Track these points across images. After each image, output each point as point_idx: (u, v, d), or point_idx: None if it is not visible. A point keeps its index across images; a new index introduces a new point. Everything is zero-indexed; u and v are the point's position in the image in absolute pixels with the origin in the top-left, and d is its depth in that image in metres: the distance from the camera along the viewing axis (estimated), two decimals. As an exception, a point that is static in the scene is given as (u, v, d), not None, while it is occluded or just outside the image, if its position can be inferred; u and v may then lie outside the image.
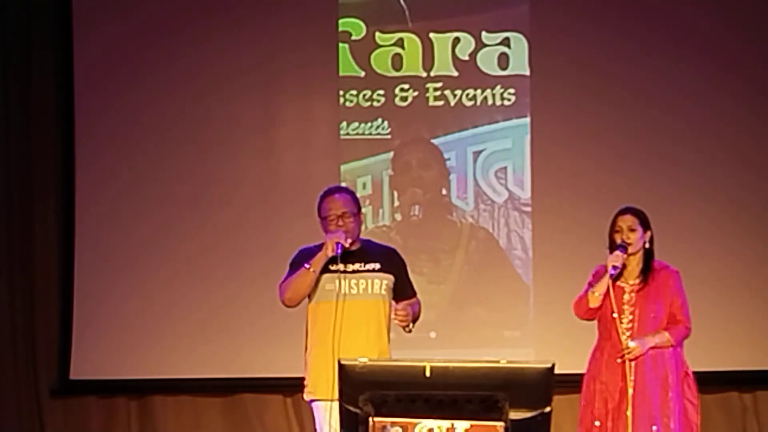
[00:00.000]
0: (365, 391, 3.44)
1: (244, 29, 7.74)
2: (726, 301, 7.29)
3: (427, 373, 3.42)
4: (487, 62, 7.59)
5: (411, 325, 5.27)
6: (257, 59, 7.75)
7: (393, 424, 3.41)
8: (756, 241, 7.37)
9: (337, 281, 5.17)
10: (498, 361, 3.51)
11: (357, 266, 5.23)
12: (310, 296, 5.24)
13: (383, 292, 5.25)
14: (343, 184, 5.61)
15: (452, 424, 3.39)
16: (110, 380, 7.72)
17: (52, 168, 7.86)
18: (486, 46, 7.60)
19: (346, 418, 3.50)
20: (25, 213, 7.83)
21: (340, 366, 3.52)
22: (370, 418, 3.42)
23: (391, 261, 5.32)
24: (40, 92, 7.85)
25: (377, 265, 5.24)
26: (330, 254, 5.10)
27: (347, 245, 5.13)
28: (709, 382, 6.60)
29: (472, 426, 3.39)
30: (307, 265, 5.15)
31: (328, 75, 7.68)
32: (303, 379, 5.33)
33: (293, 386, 7.39)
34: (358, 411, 3.45)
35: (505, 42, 7.60)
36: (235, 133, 7.75)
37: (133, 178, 7.78)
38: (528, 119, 7.55)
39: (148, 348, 7.67)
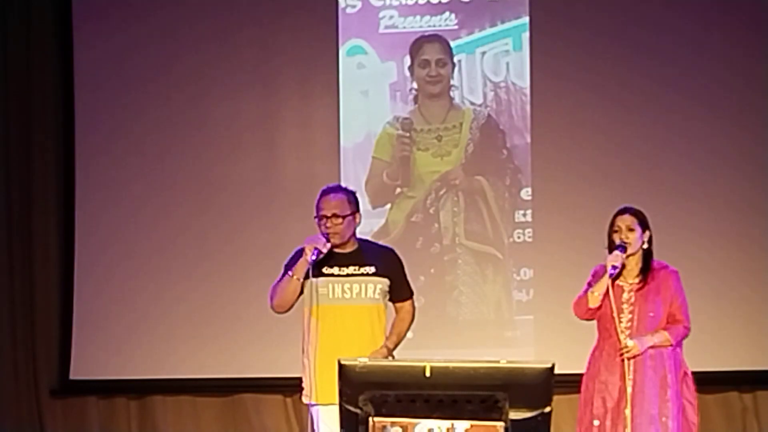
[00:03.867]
0: (365, 391, 3.44)
1: (244, 32, 7.75)
2: (726, 301, 7.28)
3: (427, 373, 3.42)
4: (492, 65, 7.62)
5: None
6: (258, 61, 7.76)
7: (393, 424, 3.40)
8: (755, 240, 7.37)
9: (335, 287, 5.17)
10: (498, 361, 3.50)
11: (352, 269, 5.21)
12: (304, 300, 5.23)
13: (377, 296, 5.23)
14: (343, 185, 5.59)
15: (452, 424, 3.39)
16: (110, 380, 7.73)
17: (52, 168, 7.87)
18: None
19: (346, 418, 3.50)
20: (25, 213, 7.84)
21: (340, 366, 3.51)
22: (370, 418, 3.42)
23: (387, 263, 5.29)
24: (40, 93, 7.87)
25: (372, 269, 5.22)
26: (310, 260, 5.07)
27: (325, 251, 5.10)
28: (709, 382, 6.60)
29: (472, 426, 3.39)
30: (290, 272, 5.14)
31: (328, 75, 7.68)
32: (302, 381, 5.32)
33: (293, 386, 7.39)
34: (358, 411, 3.45)
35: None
36: (236, 135, 7.76)
37: (133, 179, 7.79)
38: (528, 121, 7.56)
39: (148, 348, 7.67)
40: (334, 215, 5.17)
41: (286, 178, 7.74)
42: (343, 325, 5.15)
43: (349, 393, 3.47)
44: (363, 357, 4.83)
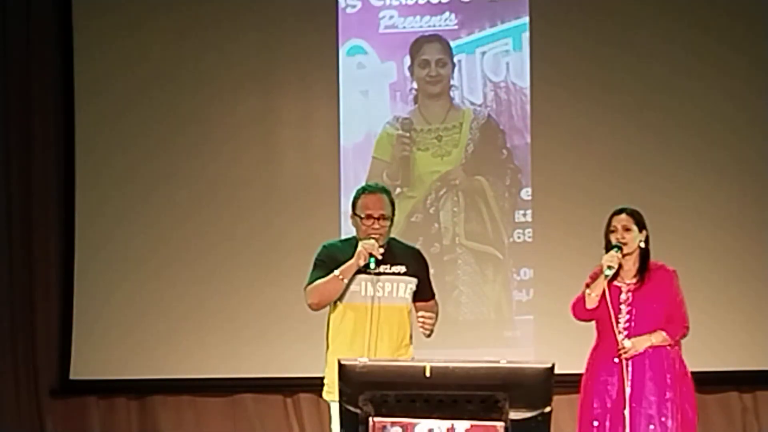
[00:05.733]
0: (365, 391, 3.43)
1: (244, 32, 7.75)
2: (726, 301, 7.29)
3: (427, 373, 3.42)
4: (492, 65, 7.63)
5: (433, 329, 5.26)
6: (258, 61, 7.76)
7: (393, 424, 3.40)
8: (755, 240, 7.37)
9: (367, 285, 5.11)
10: (498, 361, 3.50)
11: (383, 268, 5.14)
12: None
13: (407, 295, 5.20)
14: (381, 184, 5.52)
15: (452, 425, 3.39)
16: (110, 380, 7.73)
17: (52, 168, 7.87)
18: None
19: (346, 418, 3.50)
20: (25, 213, 7.84)
21: (340, 366, 3.51)
22: (370, 418, 3.42)
23: (416, 263, 5.26)
24: (41, 92, 7.87)
25: (403, 268, 5.18)
26: (362, 263, 5.03)
27: (379, 257, 5.05)
28: (709, 382, 6.61)
29: (472, 426, 3.39)
30: (337, 273, 5.07)
31: (328, 75, 7.68)
32: (322, 378, 5.27)
33: (293, 386, 7.44)
34: (358, 411, 3.44)
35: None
36: (236, 135, 7.76)
37: (133, 179, 7.79)
38: (528, 121, 7.56)
39: (148, 348, 7.67)
40: (382, 216, 5.13)
41: (286, 178, 7.74)
42: (373, 323, 5.10)
43: (349, 393, 3.47)
44: (392, 356, 4.94)
